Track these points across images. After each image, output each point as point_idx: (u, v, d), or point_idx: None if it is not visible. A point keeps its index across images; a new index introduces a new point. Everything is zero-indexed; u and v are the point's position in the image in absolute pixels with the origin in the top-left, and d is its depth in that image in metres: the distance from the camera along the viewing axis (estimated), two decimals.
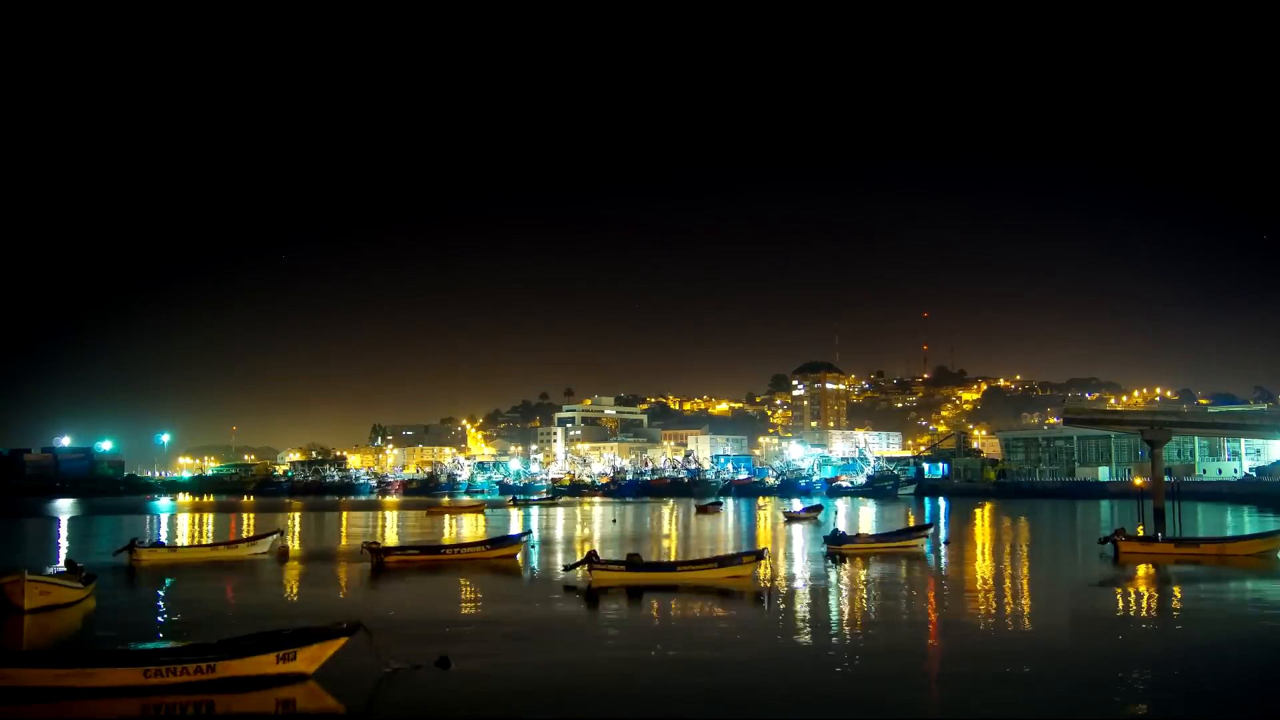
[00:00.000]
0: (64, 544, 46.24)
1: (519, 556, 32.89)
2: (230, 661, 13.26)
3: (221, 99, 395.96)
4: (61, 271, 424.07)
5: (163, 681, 12.86)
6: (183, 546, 35.92)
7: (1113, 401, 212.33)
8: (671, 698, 13.48)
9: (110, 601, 23.27)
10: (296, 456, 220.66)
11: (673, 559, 30.68)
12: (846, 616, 20.77)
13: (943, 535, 43.85)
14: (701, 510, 70.92)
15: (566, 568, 26.70)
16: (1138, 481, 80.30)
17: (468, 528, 54.99)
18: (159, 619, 21.59)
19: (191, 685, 12.94)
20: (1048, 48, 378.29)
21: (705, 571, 26.41)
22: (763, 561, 27.83)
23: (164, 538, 44.06)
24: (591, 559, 25.13)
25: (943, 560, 33.04)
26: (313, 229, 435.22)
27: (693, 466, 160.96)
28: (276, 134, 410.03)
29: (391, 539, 45.00)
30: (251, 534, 39.51)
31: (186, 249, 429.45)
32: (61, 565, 27.27)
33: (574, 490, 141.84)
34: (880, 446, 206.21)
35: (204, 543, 39.21)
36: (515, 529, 47.41)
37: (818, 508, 66.51)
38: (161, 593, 25.56)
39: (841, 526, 42.58)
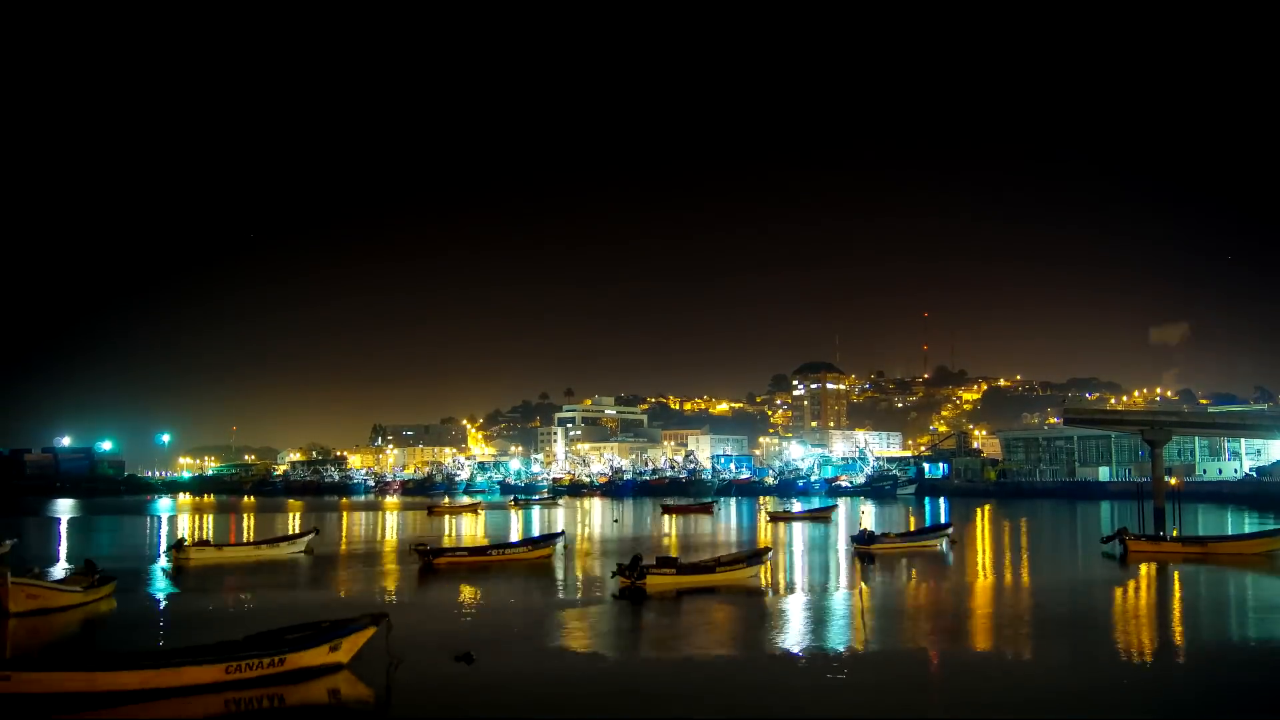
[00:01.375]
0: (64, 544, 46.16)
1: (552, 557, 32.79)
2: (298, 654, 13.84)
3: (219, 100, 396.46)
4: (62, 272, 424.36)
5: (241, 676, 13.26)
6: (227, 545, 36.37)
7: (1113, 401, 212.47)
8: (683, 697, 13.40)
9: (132, 604, 22.53)
10: (296, 456, 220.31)
11: (716, 558, 29.50)
12: (854, 615, 20.63)
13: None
14: (678, 510, 66.80)
15: (614, 573, 24.94)
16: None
17: (473, 529, 54.80)
18: (159, 626, 21.14)
19: (266, 679, 13.39)
20: (1047, 48, 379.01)
21: (737, 571, 26.24)
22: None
23: (210, 537, 44.82)
24: (636, 564, 24.35)
25: (948, 559, 33.13)
26: (312, 229, 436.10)
27: (693, 466, 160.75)
28: (276, 134, 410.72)
29: (393, 540, 44.88)
30: (290, 533, 40.16)
31: (186, 249, 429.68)
32: (63, 565, 27.15)
33: (574, 490, 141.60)
34: (880, 446, 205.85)
35: (247, 541, 39.90)
36: (514, 530, 47.18)
37: (826, 509, 64.18)
38: (178, 596, 25.05)
39: (842, 527, 42.40)
